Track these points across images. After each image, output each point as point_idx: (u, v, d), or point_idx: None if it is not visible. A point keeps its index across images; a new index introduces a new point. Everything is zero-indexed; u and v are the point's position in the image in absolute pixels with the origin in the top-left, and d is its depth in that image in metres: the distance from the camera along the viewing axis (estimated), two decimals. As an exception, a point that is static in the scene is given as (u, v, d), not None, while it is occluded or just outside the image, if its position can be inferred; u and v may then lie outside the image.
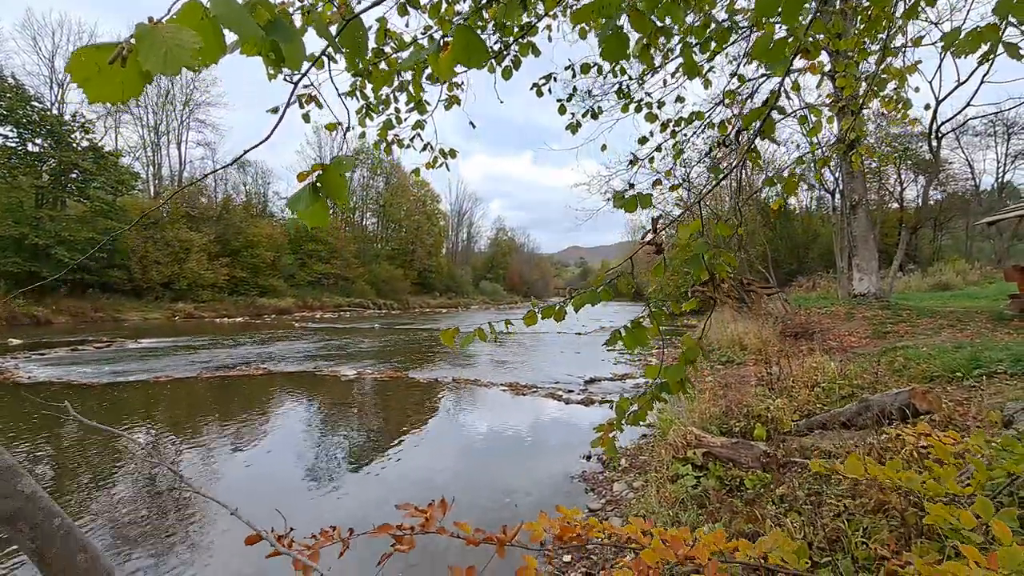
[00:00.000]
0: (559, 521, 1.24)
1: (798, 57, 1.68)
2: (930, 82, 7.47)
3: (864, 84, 3.35)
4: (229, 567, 3.47)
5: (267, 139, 0.93)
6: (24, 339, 16.23)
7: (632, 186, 2.03)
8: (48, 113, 27.76)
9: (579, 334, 20.95)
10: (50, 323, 22.51)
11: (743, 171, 17.82)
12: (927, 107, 3.85)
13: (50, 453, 5.74)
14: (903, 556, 1.39)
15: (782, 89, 1.66)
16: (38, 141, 27.48)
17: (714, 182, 1.52)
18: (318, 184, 0.91)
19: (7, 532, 0.57)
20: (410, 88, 3.12)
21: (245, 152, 0.98)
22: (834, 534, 2.32)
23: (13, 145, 26.61)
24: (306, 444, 6.16)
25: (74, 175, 28.49)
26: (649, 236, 1.76)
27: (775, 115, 1.76)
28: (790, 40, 1.46)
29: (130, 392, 8.85)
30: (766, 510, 2.86)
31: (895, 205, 30.84)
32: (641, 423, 1.86)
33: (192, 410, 7.72)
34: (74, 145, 28.27)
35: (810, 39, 1.67)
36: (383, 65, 2.81)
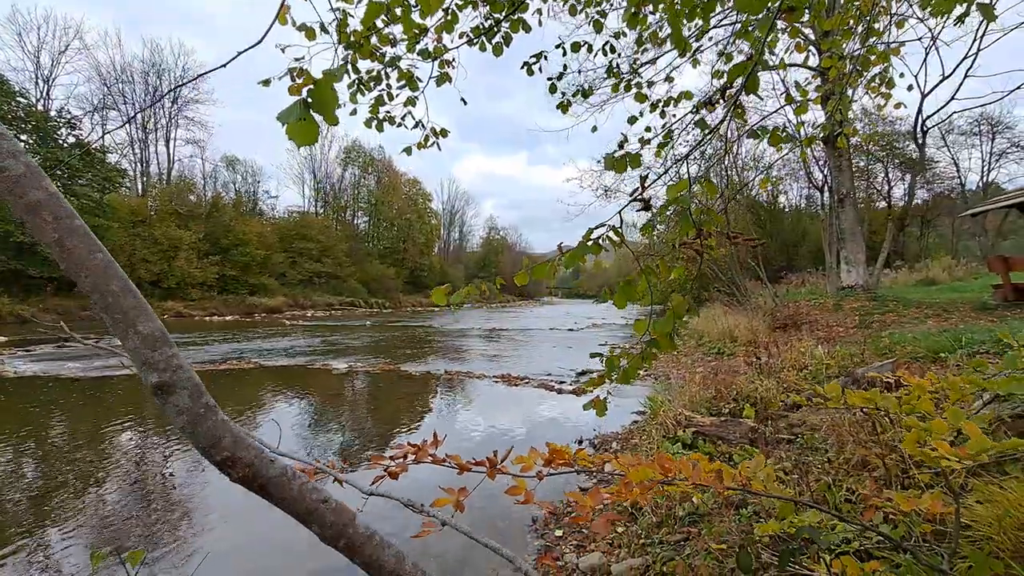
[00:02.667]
0: (549, 453, 1.26)
1: (781, 18, 1.71)
2: (915, 76, 7.58)
3: (849, 65, 3.42)
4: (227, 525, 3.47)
5: (259, 43, 0.94)
6: (10, 336, 16.00)
7: (621, 146, 2.06)
8: (33, 109, 27.41)
9: (571, 330, 21.04)
10: (37, 321, 22.19)
11: (732, 169, 17.96)
12: (909, 88, 3.92)
13: (38, 440, 5.69)
14: (884, 494, 1.43)
15: (765, 48, 1.70)
16: (23, 137, 27.06)
17: (702, 140, 1.55)
18: (309, 100, 0.93)
19: (31, 222, 0.59)
20: (401, 66, 3.13)
21: (239, 53, 0.98)
22: (820, 497, 2.37)
23: (-3, 141, 26.23)
24: (297, 435, 6.14)
25: (60, 172, 28.12)
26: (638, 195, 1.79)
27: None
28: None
29: (119, 385, 8.76)
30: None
31: (883, 204, 31.24)
32: (633, 381, 1.90)
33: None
34: (60, 141, 27.91)
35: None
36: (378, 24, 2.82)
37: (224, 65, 0.97)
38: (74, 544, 3.51)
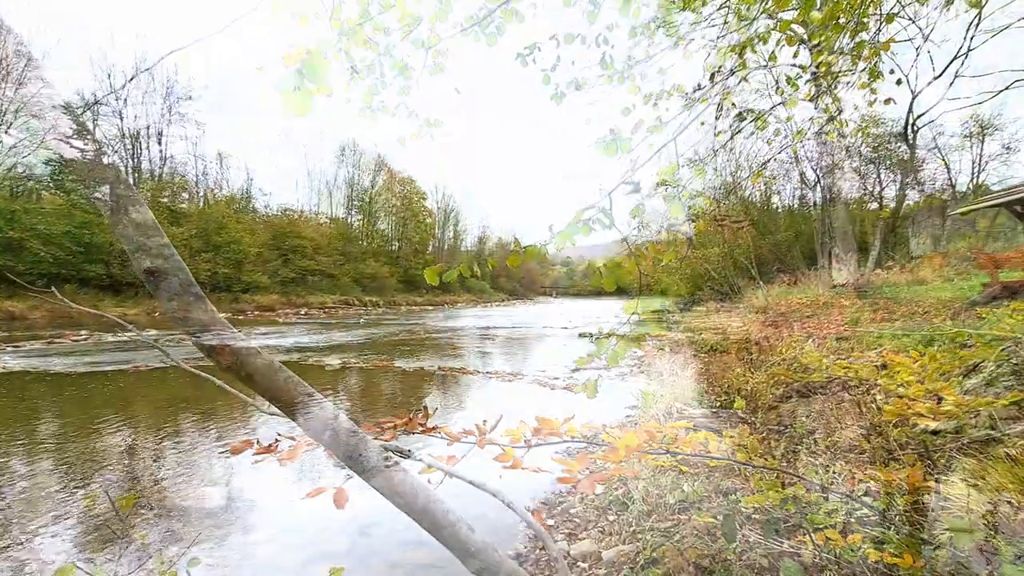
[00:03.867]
0: (538, 424, 1.28)
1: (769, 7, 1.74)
2: (906, 76, 7.73)
3: (839, 60, 3.45)
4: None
5: (254, 9, 0.95)
6: (-2, 332, 15.86)
7: (612, 131, 2.07)
8: (23, 104, 27.13)
9: (565, 328, 21.09)
10: (26, 318, 21.98)
11: (726, 168, 18.12)
12: (899, 82, 3.97)
13: (28, 434, 5.65)
14: (867, 470, 1.45)
15: (756, 36, 1.72)
16: (12, 132, 26.83)
17: (694, 118, 1.57)
18: (303, 70, 0.94)
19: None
20: (395, 55, 3.13)
21: (235, 20, 0.99)
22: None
23: (-14, 136, 25.96)
24: (290, 428, 6.12)
25: (50, 167, 27.85)
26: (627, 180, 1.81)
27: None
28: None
29: (109, 381, 8.70)
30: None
31: (874, 204, 31.52)
32: (621, 362, 1.92)
33: (174, 394, 7.63)
34: (51, 137, 27.65)
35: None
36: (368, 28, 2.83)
37: (221, 31, 0.98)
38: (66, 536, 3.49)
